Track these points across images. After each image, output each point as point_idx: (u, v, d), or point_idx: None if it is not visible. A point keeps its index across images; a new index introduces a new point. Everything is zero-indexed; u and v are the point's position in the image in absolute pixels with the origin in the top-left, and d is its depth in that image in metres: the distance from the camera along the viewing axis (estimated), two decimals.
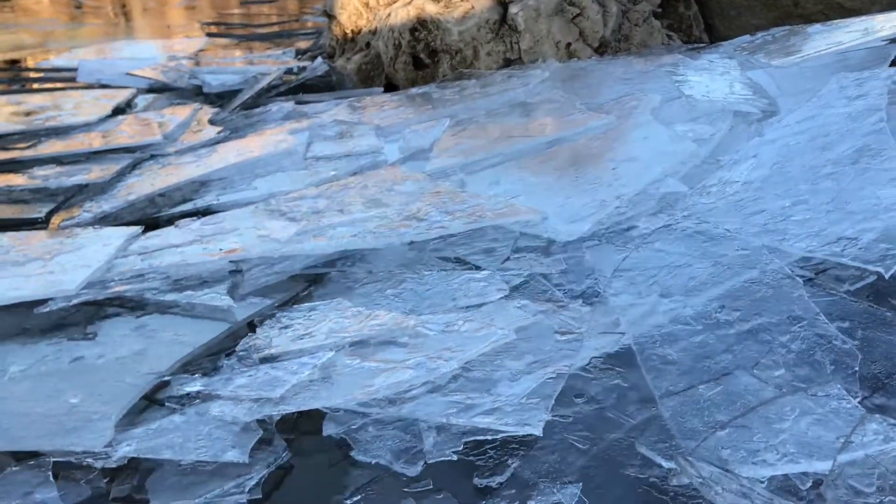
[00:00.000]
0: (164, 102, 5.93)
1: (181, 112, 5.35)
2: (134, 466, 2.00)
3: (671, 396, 2.05)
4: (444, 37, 5.74)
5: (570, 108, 4.45)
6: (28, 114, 5.37)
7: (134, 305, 2.74)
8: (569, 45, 5.68)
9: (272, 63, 7.26)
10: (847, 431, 1.86)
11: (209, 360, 2.43)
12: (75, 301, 2.72)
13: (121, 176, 4.13)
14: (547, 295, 2.60)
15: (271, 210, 3.36)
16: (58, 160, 4.43)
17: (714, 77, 4.73)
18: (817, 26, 5.35)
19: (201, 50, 8.24)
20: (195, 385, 2.27)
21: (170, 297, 2.73)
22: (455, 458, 1.92)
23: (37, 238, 3.27)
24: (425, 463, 1.92)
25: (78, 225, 3.48)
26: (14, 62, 8.32)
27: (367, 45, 6.33)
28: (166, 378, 2.32)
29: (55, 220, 3.62)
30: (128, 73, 6.79)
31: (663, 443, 1.91)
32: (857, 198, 2.87)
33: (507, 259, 2.86)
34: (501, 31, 5.71)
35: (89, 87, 6.54)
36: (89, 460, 2.00)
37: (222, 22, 10.66)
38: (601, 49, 5.76)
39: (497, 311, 2.48)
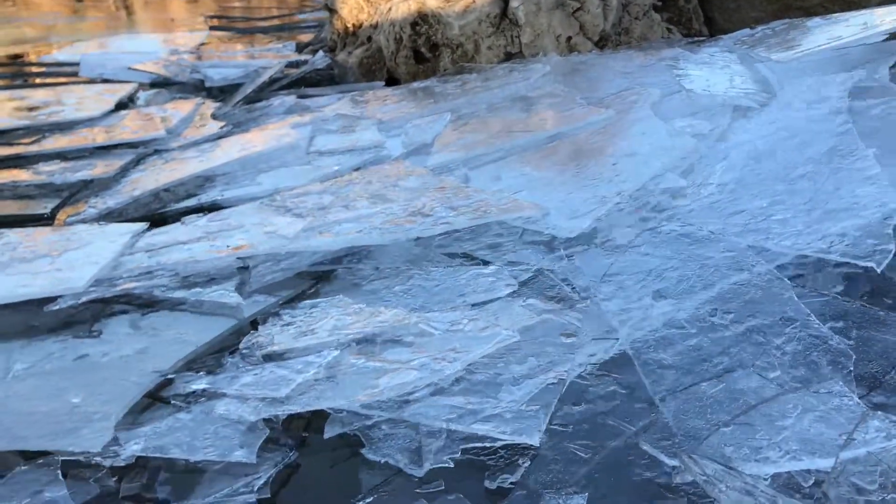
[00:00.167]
0: (166, 97, 5.95)
1: (183, 107, 5.36)
2: (142, 465, 2.01)
3: (673, 395, 2.06)
4: (445, 31, 5.74)
5: (571, 103, 4.47)
6: (31, 109, 5.38)
7: (142, 303, 2.73)
8: (569, 38, 5.69)
9: (273, 57, 7.28)
10: (849, 428, 1.86)
11: (213, 357, 2.42)
12: (84, 299, 2.71)
13: (125, 171, 4.15)
14: (555, 290, 2.60)
15: (277, 206, 3.36)
16: (62, 156, 4.44)
17: (714, 71, 4.75)
18: (817, 20, 5.36)
19: (203, 44, 8.25)
20: (200, 383, 2.26)
21: (178, 294, 2.72)
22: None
23: (43, 234, 3.27)
24: (431, 465, 1.92)
25: (83, 221, 3.49)
26: (17, 56, 8.33)
27: (369, 38, 6.33)
28: (170, 376, 2.32)
29: (61, 215, 3.64)
30: (130, 68, 6.80)
31: (666, 440, 1.91)
32: (836, 197, 2.88)
33: (514, 253, 2.86)
34: (502, 25, 5.71)
35: (91, 81, 6.56)
36: (98, 459, 2.00)
37: (224, 15, 10.68)
38: (601, 43, 5.77)
39: (503, 310, 2.48)
